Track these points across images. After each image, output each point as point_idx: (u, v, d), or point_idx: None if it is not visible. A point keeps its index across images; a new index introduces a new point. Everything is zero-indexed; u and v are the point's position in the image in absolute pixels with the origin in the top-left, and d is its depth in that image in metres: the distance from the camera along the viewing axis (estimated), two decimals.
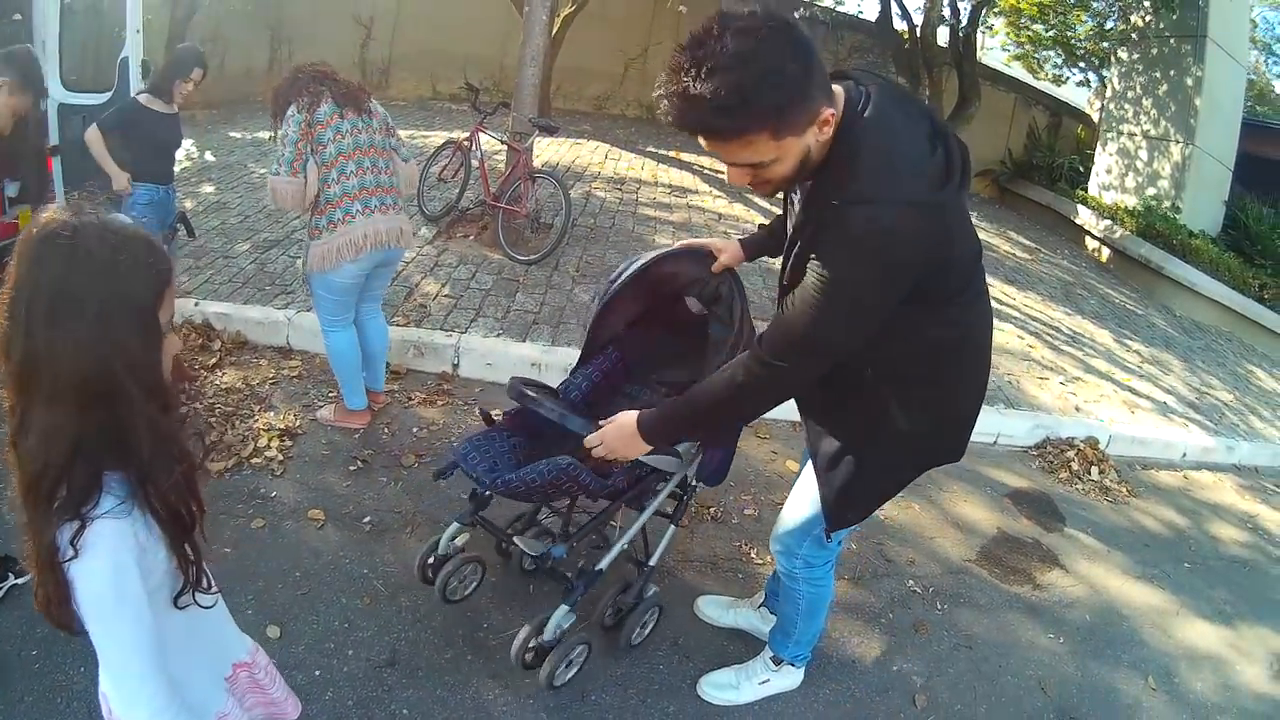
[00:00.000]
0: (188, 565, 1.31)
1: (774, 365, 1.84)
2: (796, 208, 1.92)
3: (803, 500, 2.40)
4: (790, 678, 2.87)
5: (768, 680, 2.82)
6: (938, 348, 1.99)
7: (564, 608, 2.55)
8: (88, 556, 1.14)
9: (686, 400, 2.03)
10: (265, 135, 9.19)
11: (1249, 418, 7.18)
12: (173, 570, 1.30)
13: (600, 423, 2.18)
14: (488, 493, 2.53)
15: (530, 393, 2.44)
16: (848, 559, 3.65)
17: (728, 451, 2.74)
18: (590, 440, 2.15)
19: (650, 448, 2.11)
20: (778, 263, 2.04)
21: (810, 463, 2.33)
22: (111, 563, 1.17)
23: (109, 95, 5.57)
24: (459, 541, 2.89)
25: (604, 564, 2.64)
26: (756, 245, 2.57)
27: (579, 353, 2.90)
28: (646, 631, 2.95)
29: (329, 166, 3.61)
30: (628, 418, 2.10)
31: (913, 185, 1.66)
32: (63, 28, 5.22)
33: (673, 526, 2.91)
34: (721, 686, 2.82)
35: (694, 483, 2.79)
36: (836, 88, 1.69)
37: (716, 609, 3.17)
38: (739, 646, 3.06)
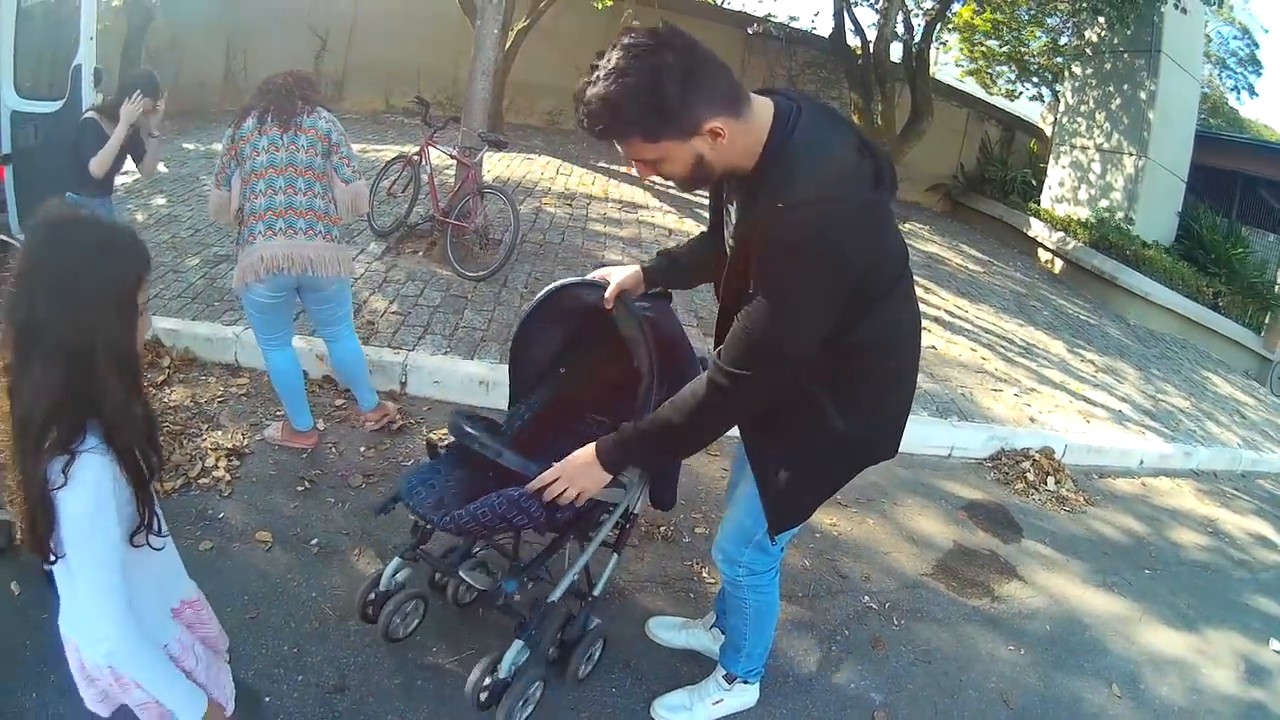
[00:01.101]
0: (144, 508, 1.54)
1: (738, 376, 1.84)
2: (733, 219, 1.96)
3: (741, 507, 2.39)
4: (745, 696, 2.81)
5: (721, 700, 2.75)
6: (869, 345, 2.00)
7: (519, 643, 2.45)
8: (75, 483, 1.39)
9: (649, 424, 2.00)
10: (219, 147, 9.05)
11: (1206, 423, 7.25)
12: (131, 513, 1.52)
13: (551, 464, 2.13)
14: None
15: (469, 428, 2.37)
16: (801, 576, 3.58)
17: (674, 479, 2.70)
18: (546, 477, 2.08)
19: (610, 478, 2.07)
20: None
21: (746, 468, 2.31)
22: (94, 488, 1.42)
23: (61, 104, 5.40)
24: (401, 577, 2.77)
25: (556, 595, 2.53)
26: (659, 272, 2.45)
27: None
28: (593, 664, 2.84)
29: (246, 183, 3.56)
30: (584, 452, 2.06)
31: (847, 187, 1.76)
32: (18, 33, 5.06)
33: (615, 555, 2.81)
34: (675, 709, 2.75)
35: (634, 511, 2.72)
36: (765, 101, 1.81)
37: (668, 630, 3.09)
38: (692, 668, 2.97)
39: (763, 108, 1.81)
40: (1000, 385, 6.27)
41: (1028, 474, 5.14)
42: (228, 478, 3.60)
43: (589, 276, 2.48)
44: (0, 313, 1.41)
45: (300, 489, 3.63)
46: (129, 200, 4.42)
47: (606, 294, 2.39)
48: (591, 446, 2.06)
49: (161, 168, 8.07)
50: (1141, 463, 6.07)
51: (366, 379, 4.15)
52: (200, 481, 3.55)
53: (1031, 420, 5.78)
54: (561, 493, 2.09)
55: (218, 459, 3.70)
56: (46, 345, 1.39)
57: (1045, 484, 5.12)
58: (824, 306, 1.80)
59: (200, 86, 12.33)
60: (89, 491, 1.41)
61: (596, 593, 2.75)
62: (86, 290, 1.41)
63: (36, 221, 1.45)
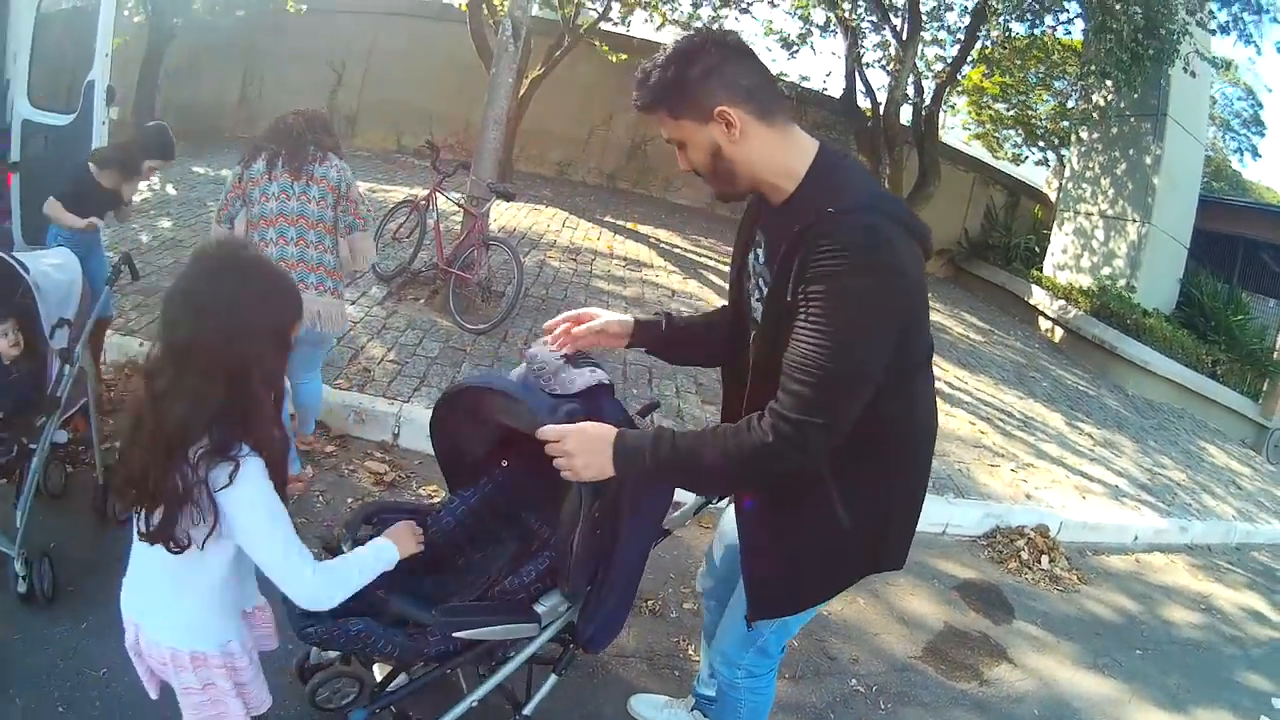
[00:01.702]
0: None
1: (808, 423, 1.63)
2: (761, 258, 1.89)
3: (742, 610, 2.18)
4: None
5: None
6: (890, 426, 1.86)
7: None
8: (246, 484, 1.60)
9: (689, 443, 1.76)
10: (228, 173, 9.10)
11: (1201, 496, 7.24)
12: None
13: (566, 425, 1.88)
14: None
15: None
16: (788, 656, 3.52)
17: (617, 614, 2.38)
18: (553, 433, 1.81)
19: (614, 474, 1.81)
20: None
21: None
22: (265, 485, 1.65)
23: (72, 117, 5.41)
24: (330, 654, 2.52)
25: None
26: (650, 330, 2.27)
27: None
28: None
29: (254, 227, 3.55)
30: (604, 428, 1.83)
31: (901, 208, 1.75)
32: (35, 42, 5.10)
33: (553, 676, 2.55)
34: None
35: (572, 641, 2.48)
36: (810, 138, 1.81)
37: (650, 709, 3.03)
38: None
39: (806, 138, 1.80)
40: (997, 460, 6.26)
41: (1022, 552, 5.11)
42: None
43: (576, 313, 2.26)
44: (158, 331, 1.62)
45: None
46: (135, 221, 4.42)
47: (581, 329, 2.21)
48: (612, 430, 1.82)
49: (170, 190, 8.14)
50: (1136, 539, 6.04)
51: (318, 412, 4.20)
52: None
53: (1028, 497, 5.76)
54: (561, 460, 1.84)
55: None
56: (209, 366, 1.57)
57: (1039, 563, 5.08)
58: (885, 325, 1.65)
59: (214, 109, 12.50)
60: (261, 487, 1.64)
61: (527, 712, 2.55)
62: (255, 323, 1.62)
63: (207, 254, 1.68)
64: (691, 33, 1.81)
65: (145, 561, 1.75)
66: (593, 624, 2.29)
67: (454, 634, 2.11)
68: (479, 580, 2.46)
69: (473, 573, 2.48)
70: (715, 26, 12.46)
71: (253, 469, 1.61)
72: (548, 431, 1.82)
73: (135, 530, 1.71)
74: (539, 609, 2.20)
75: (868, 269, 1.59)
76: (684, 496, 2.64)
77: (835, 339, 1.59)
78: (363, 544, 2.05)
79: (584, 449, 1.78)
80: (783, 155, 1.77)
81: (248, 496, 1.62)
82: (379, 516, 2.37)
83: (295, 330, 1.73)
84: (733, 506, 2.19)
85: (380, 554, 1.94)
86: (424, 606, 2.05)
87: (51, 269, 3.11)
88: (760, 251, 1.90)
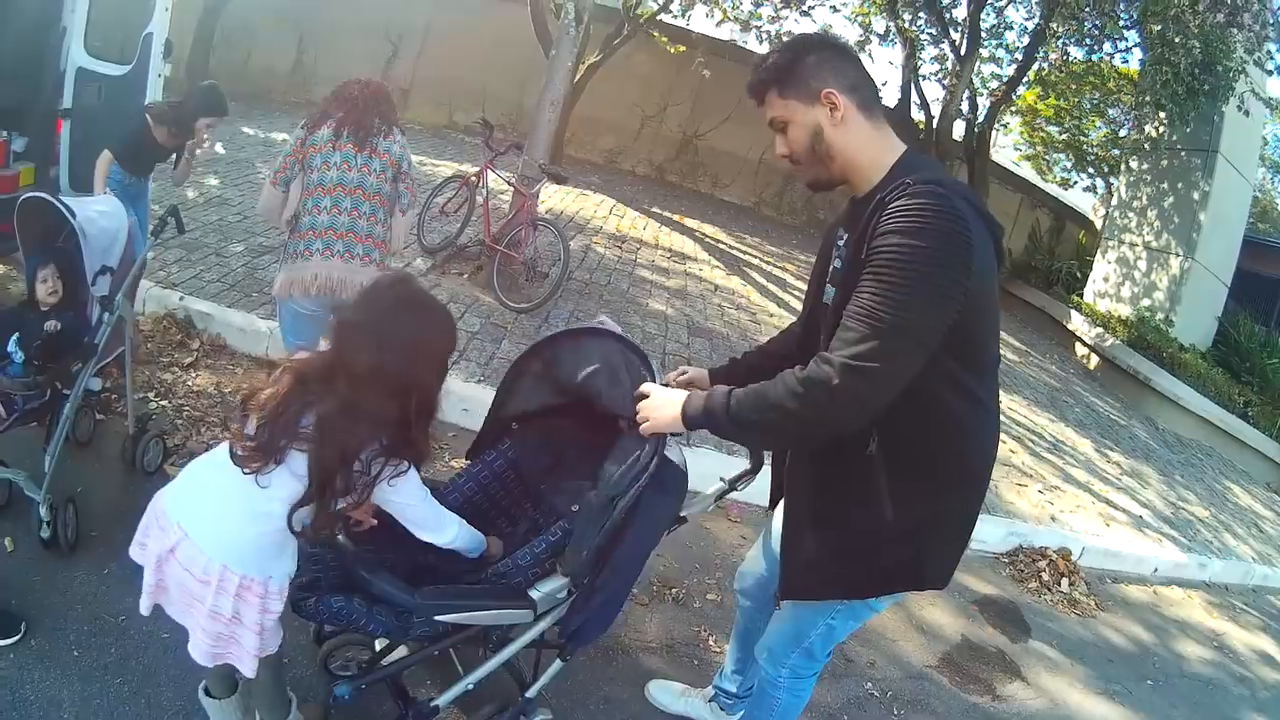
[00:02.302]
0: None
1: (862, 368, 1.68)
2: (842, 245, 1.99)
3: (793, 611, 2.28)
4: None
5: None
6: (953, 430, 1.91)
7: None
8: (406, 487, 1.99)
9: (752, 394, 1.83)
10: (279, 137, 9.16)
11: (1223, 534, 7.19)
12: None
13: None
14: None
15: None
16: None
17: (609, 609, 2.38)
18: (645, 389, 2.05)
19: (684, 431, 1.96)
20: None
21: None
22: (417, 484, 2.04)
23: (128, 69, 5.37)
24: None
25: (441, 701, 2.34)
26: (724, 374, 2.37)
27: None
28: None
29: (309, 194, 3.55)
30: (676, 393, 1.98)
31: (980, 199, 1.88)
32: None
33: (559, 661, 2.50)
34: None
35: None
36: (898, 139, 1.95)
37: (668, 695, 3.07)
38: None
39: (896, 138, 1.94)
40: (1025, 480, 6.25)
41: (1043, 573, 5.12)
42: None
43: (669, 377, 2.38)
44: (337, 350, 1.89)
45: None
46: (163, 175, 4.49)
47: (671, 376, 2.37)
48: (682, 394, 1.96)
49: (219, 148, 8.20)
50: (1156, 570, 6.03)
51: None
52: None
53: (1053, 519, 5.76)
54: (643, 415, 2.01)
55: None
56: (387, 389, 1.84)
57: (1059, 585, 5.09)
58: (946, 285, 1.68)
59: (267, 74, 12.56)
60: (414, 486, 2.02)
61: (530, 694, 2.55)
62: (427, 354, 1.94)
63: (385, 288, 1.96)
64: (807, 31, 2.04)
65: (215, 480, 1.91)
66: (580, 616, 2.26)
67: (437, 618, 2.11)
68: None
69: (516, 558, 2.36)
70: (775, 27, 12.49)
71: (411, 478, 1.99)
72: (640, 392, 2.06)
73: (211, 454, 2.01)
74: (534, 594, 2.15)
75: (935, 232, 1.66)
76: (700, 486, 2.61)
77: (895, 292, 1.66)
78: None
79: (659, 406, 1.98)
80: (876, 147, 1.89)
81: (405, 494, 2.00)
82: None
83: (451, 355, 2.06)
84: (784, 502, 2.23)
85: (476, 539, 2.27)
86: (407, 589, 2.03)
87: (98, 215, 3.11)
88: (841, 243, 1.99)
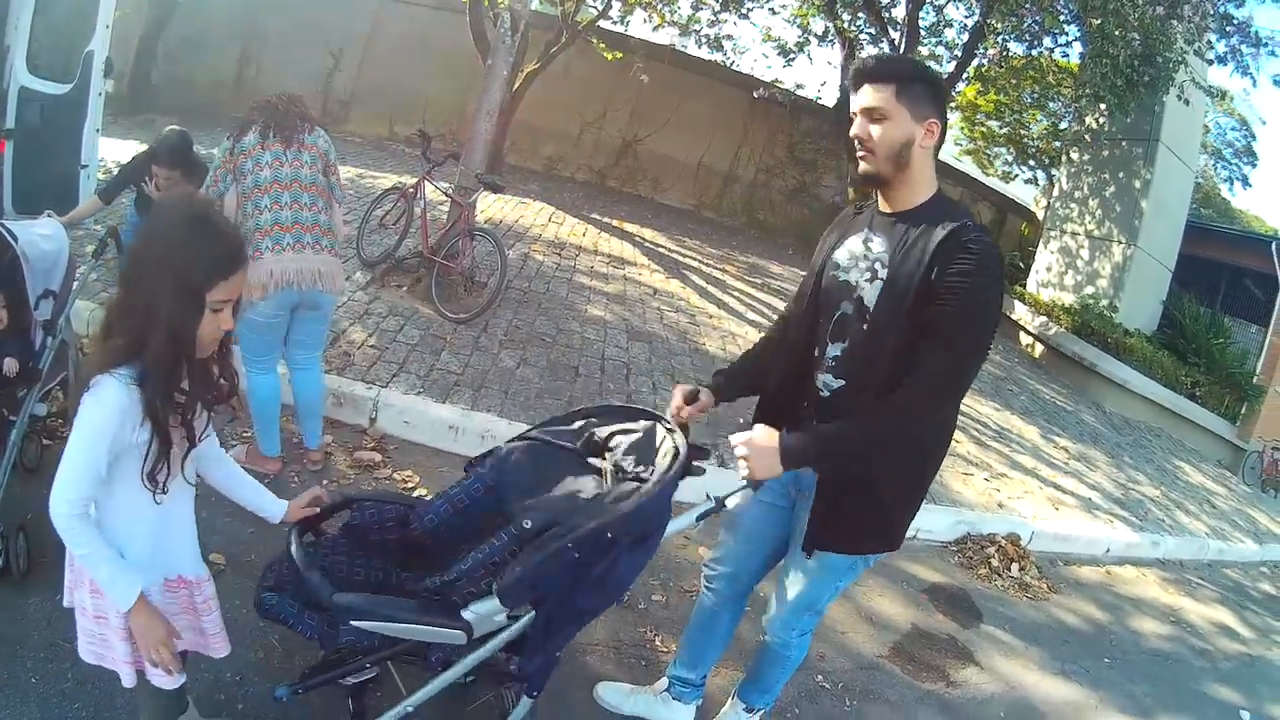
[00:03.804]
0: (157, 460, 1.79)
1: (945, 395, 2.07)
2: (872, 250, 2.20)
3: (799, 583, 2.52)
4: None
5: None
6: (944, 424, 2.29)
7: None
8: (90, 394, 1.70)
9: (841, 435, 2.09)
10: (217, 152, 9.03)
11: (1175, 512, 7.30)
12: (141, 452, 1.78)
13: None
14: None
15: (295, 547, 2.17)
16: (756, 650, 3.52)
17: (555, 654, 2.30)
18: (740, 439, 2.12)
19: (781, 473, 2.09)
20: None
21: (795, 543, 2.46)
22: (97, 402, 1.69)
23: (69, 87, 5.33)
24: None
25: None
26: (723, 390, 2.62)
27: (497, 419, 2.62)
28: None
29: (247, 198, 3.54)
30: (768, 432, 2.11)
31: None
32: (37, 8, 5.01)
33: (527, 699, 2.41)
34: None
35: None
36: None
37: (617, 696, 3.05)
38: None
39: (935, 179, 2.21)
40: (971, 469, 6.28)
41: (992, 559, 5.14)
42: None
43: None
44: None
45: (258, 516, 3.57)
46: (124, 196, 4.36)
47: (688, 410, 2.52)
48: (774, 433, 2.11)
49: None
50: (1108, 551, 6.09)
51: (321, 415, 4.12)
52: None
53: (1000, 506, 5.79)
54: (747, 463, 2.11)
55: None
56: (138, 292, 1.70)
57: (1009, 570, 5.11)
58: (995, 324, 2.07)
59: (211, 87, 12.40)
60: (91, 402, 1.69)
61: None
62: (159, 265, 1.70)
63: (165, 197, 1.76)
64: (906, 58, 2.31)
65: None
66: (535, 659, 2.21)
67: (353, 624, 2.02)
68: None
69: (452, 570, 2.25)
70: (714, 30, 12.55)
71: (105, 385, 1.69)
72: (734, 439, 2.13)
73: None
74: (468, 615, 2.03)
75: (997, 281, 2.05)
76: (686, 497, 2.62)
77: (971, 333, 2.02)
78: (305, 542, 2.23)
79: (757, 454, 2.09)
80: (928, 176, 2.18)
81: (84, 402, 1.71)
82: (358, 503, 2.43)
83: (214, 291, 1.75)
84: (741, 496, 2.49)
85: (120, 576, 1.80)
86: (329, 589, 2.00)
87: (40, 238, 3.08)
88: (874, 244, 2.21)
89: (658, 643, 3.45)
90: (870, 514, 2.31)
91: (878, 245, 2.19)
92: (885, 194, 2.23)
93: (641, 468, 2.27)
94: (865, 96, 2.12)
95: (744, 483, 2.18)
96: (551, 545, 1.99)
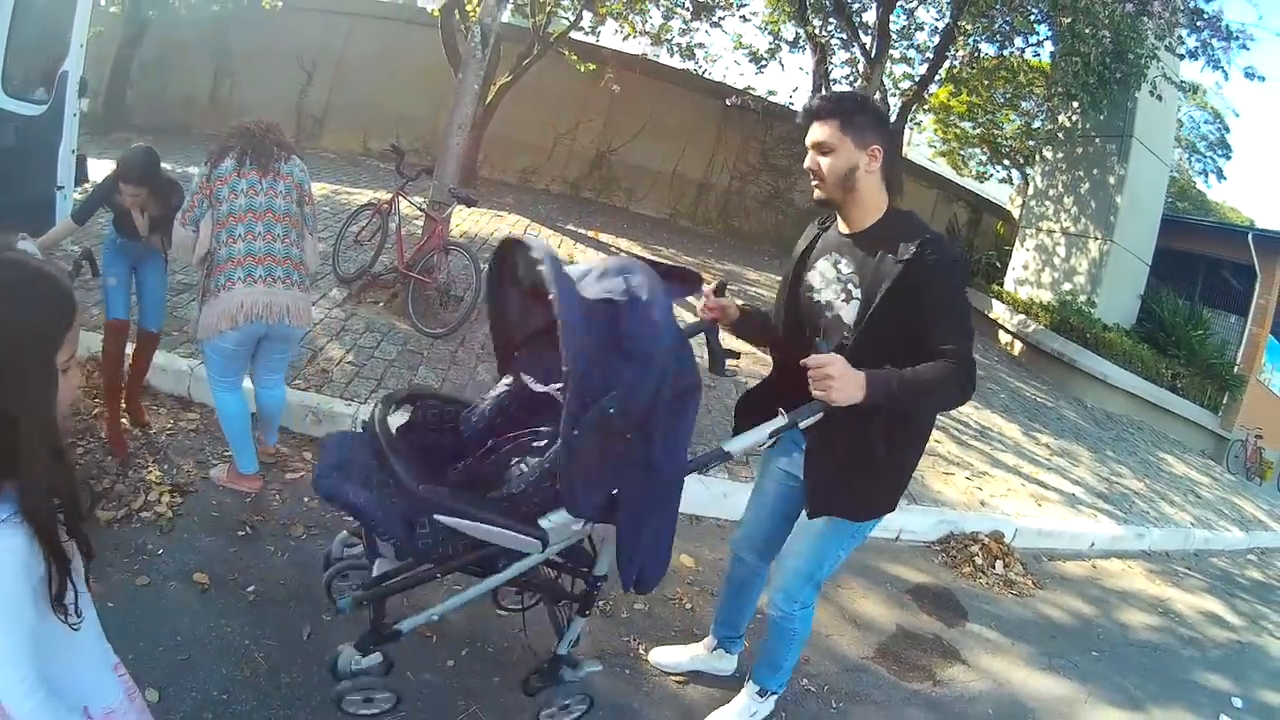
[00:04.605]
0: (60, 584, 1.37)
1: (969, 361, 2.30)
2: (842, 273, 2.50)
3: (802, 555, 2.78)
4: (770, 705, 3.16)
5: (756, 712, 3.11)
6: None
7: (348, 650, 2.47)
8: None
9: (911, 375, 2.28)
10: (194, 170, 8.97)
11: (1159, 504, 7.32)
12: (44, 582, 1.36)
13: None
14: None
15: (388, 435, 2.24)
16: (741, 656, 3.50)
17: (664, 543, 2.28)
18: (825, 360, 2.20)
19: (862, 401, 2.19)
20: None
21: (800, 520, 2.76)
22: (10, 569, 1.28)
23: (44, 108, 5.28)
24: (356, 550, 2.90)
25: (404, 626, 2.45)
26: (748, 318, 2.78)
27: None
28: (569, 714, 2.81)
29: (221, 226, 3.52)
30: (855, 372, 2.20)
31: None
32: (12, 29, 4.95)
33: (579, 618, 2.70)
34: None
35: (599, 575, 2.57)
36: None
37: (673, 656, 3.36)
38: None
39: (885, 195, 2.48)
40: (952, 468, 6.29)
41: (976, 558, 5.13)
42: (169, 514, 3.53)
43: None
44: None
45: (241, 534, 3.55)
46: (101, 217, 4.32)
47: (706, 304, 2.67)
48: (860, 371, 2.25)
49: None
50: (1093, 545, 6.09)
51: (278, 423, 4.24)
52: (142, 515, 3.48)
53: (982, 504, 5.79)
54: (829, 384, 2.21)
55: (161, 493, 3.63)
56: None
57: (993, 568, 5.11)
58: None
59: (186, 105, 12.36)
60: (5, 567, 1.28)
61: (561, 650, 2.74)
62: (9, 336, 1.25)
63: None
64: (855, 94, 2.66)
65: None
66: (635, 560, 2.21)
67: (438, 518, 2.08)
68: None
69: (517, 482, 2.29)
70: (687, 39, 12.58)
71: (5, 540, 1.28)
72: (814, 360, 2.22)
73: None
74: (545, 524, 2.14)
75: (963, 278, 2.50)
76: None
77: (961, 316, 2.37)
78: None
79: (843, 379, 2.19)
80: (878, 196, 2.46)
81: None
82: (419, 400, 2.53)
83: (62, 351, 1.34)
84: (773, 466, 2.90)
85: None
86: (416, 479, 2.08)
87: None
88: (842, 266, 2.50)
89: (641, 651, 3.42)
90: (863, 478, 2.55)
91: (845, 267, 2.49)
92: (842, 215, 2.51)
93: None
94: (814, 133, 2.42)
95: (819, 406, 2.26)
96: (590, 426, 1.95)
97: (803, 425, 2.35)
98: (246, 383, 3.87)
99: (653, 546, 2.23)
